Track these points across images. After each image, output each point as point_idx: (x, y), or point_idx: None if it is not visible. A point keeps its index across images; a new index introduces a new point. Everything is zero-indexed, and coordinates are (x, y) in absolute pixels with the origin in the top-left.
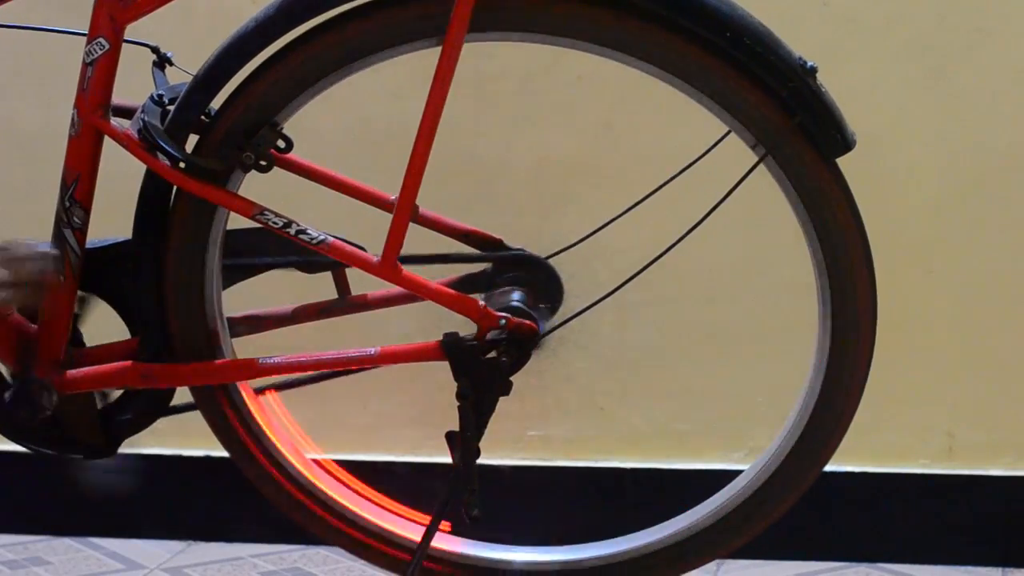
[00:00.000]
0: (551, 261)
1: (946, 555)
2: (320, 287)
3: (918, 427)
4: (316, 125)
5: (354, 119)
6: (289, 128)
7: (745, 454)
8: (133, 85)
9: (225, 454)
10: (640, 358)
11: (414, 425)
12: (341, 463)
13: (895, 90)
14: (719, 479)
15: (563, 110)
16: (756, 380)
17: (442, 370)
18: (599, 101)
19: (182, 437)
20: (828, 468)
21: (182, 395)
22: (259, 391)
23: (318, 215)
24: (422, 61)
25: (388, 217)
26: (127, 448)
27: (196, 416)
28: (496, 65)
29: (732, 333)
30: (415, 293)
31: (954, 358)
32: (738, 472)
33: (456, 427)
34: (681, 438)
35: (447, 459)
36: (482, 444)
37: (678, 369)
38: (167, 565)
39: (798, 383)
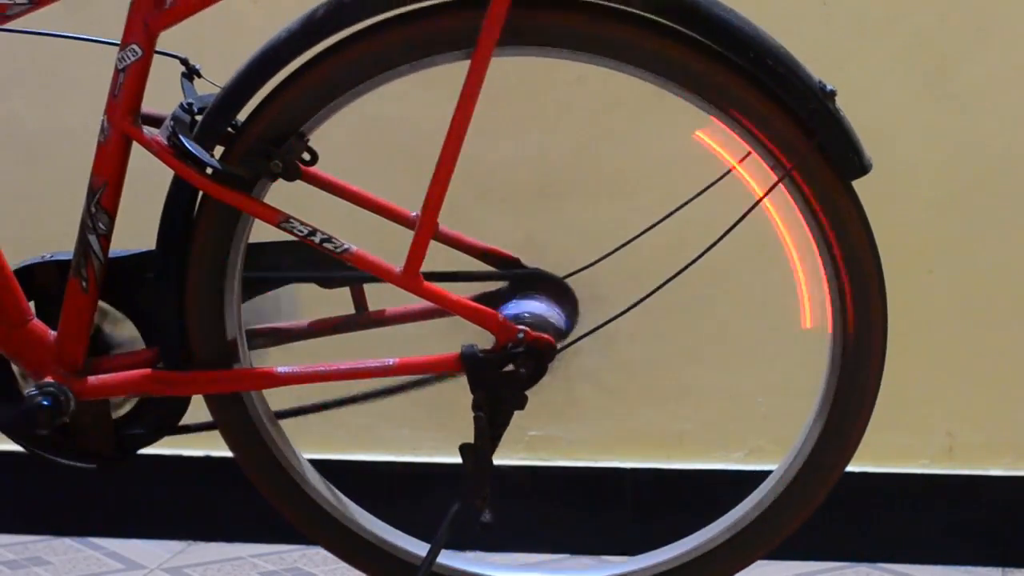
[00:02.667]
0: (568, 280)
1: (946, 555)
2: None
3: (918, 427)
4: (334, 134)
5: (373, 128)
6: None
7: (745, 454)
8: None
9: (225, 454)
10: (641, 358)
11: (414, 425)
12: (340, 463)
13: (895, 90)
14: (720, 480)
15: (563, 110)
16: (756, 380)
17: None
18: (599, 102)
19: (182, 437)
20: None
21: (198, 415)
22: (279, 416)
23: (336, 231)
24: (446, 71)
25: (406, 234)
26: None
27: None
28: (496, 65)
29: (732, 334)
30: (435, 304)
31: (954, 358)
32: (739, 472)
33: (460, 430)
34: (681, 438)
35: (447, 459)
36: None
37: (678, 369)
38: (167, 565)
39: (799, 383)
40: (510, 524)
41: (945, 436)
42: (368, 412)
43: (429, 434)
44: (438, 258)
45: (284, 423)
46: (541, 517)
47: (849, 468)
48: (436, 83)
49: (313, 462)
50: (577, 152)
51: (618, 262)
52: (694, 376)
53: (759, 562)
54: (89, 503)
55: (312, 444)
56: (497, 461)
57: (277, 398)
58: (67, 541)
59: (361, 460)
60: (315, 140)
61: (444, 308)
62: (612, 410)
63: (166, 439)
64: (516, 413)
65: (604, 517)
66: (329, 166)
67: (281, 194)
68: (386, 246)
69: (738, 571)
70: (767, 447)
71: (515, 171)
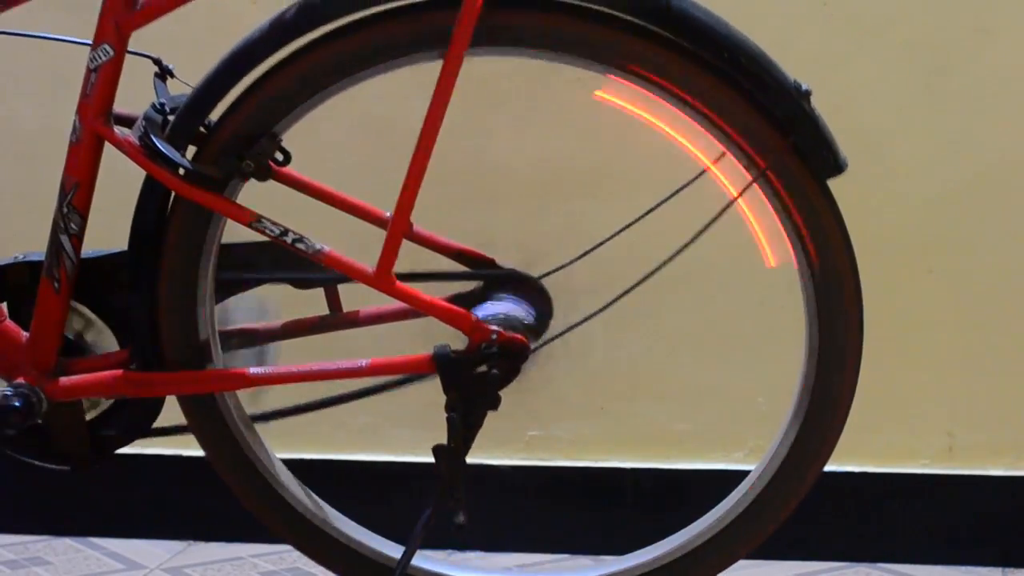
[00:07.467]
0: (542, 281)
1: (946, 555)
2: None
3: (918, 427)
4: (314, 130)
5: (353, 124)
6: (287, 134)
7: (745, 454)
8: (131, 96)
9: None
10: (640, 358)
11: (412, 425)
12: (339, 463)
13: (895, 90)
14: (719, 479)
15: (563, 113)
16: (756, 380)
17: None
18: (599, 105)
19: (182, 437)
20: (828, 468)
21: (172, 417)
22: (255, 419)
23: (310, 231)
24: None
25: (380, 234)
26: (127, 448)
27: None
28: (496, 68)
29: (731, 334)
30: (408, 304)
31: (954, 358)
32: (738, 472)
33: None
34: (681, 438)
35: None
36: (483, 443)
37: (678, 369)
38: (167, 565)
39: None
40: (510, 524)
41: (945, 436)
42: (368, 412)
43: (429, 434)
44: (412, 260)
45: (281, 423)
46: (541, 517)
47: (849, 468)
48: (417, 82)
49: (313, 462)
50: (570, 154)
51: (600, 264)
52: (694, 376)
53: (759, 561)
54: (89, 503)
55: (312, 444)
56: (497, 461)
57: (255, 401)
58: (67, 541)
59: (361, 460)
60: (293, 134)
61: (417, 309)
62: (612, 410)
63: (166, 440)
64: (516, 413)
65: (604, 517)
66: (308, 167)
67: (259, 194)
68: (366, 245)
69: (722, 569)
70: (767, 447)
71: (514, 171)
